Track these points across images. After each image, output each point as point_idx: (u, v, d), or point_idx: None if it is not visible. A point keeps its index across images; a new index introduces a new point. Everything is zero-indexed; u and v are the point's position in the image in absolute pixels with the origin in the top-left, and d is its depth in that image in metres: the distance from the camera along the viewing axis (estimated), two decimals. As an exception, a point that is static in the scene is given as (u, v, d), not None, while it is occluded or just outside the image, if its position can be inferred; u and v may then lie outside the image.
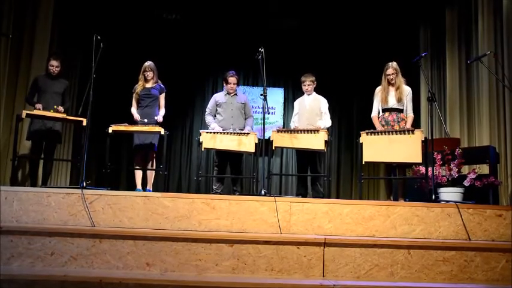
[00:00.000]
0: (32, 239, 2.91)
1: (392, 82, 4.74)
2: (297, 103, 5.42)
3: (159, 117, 5.11)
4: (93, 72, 4.24)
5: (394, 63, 4.79)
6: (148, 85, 5.21)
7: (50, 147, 5.17)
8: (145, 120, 5.02)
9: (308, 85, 5.26)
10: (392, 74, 4.73)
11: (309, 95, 5.30)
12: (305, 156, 5.13)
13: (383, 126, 4.72)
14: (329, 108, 5.31)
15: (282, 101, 9.23)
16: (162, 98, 5.27)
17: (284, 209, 3.37)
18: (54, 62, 5.12)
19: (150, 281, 2.62)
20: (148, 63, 5.24)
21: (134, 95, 5.23)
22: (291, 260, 2.93)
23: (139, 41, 8.15)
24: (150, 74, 5.20)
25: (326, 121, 5.18)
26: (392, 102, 4.73)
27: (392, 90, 4.76)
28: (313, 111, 5.21)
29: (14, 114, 5.29)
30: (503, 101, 5.32)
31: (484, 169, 5.05)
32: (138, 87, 5.21)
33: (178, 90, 6.47)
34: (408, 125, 4.64)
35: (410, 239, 3.26)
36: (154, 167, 5.16)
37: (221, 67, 7.96)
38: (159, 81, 5.30)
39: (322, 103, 5.26)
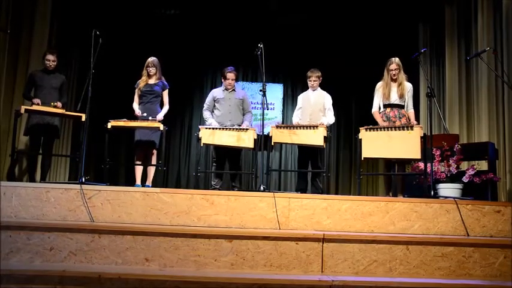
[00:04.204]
0: (31, 235, 2.91)
1: (395, 78, 4.75)
2: (300, 97, 5.41)
3: (160, 116, 5.09)
4: (92, 67, 4.23)
5: (397, 59, 4.79)
6: (151, 81, 5.20)
7: (48, 143, 5.16)
8: (145, 114, 5.01)
9: (314, 81, 5.25)
10: (396, 69, 4.74)
11: (314, 90, 5.30)
12: (306, 152, 5.13)
13: (384, 122, 4.72)
14: (332, 105, 5.30)
15: (281, 97, 9.22)
16: (165, 95, 5.25)
17: (283, 205, 3.37)
18: (50, 57, 5.10)
19: (149, 277, 2.62)
20: (151, 59, 5.22)
21: (136, 90, 5.21)
22: (289, 255, 2.94)
23: (138, 36, 8.12)
24: (152, 70, 5.18)
25: (329, 118, 5.18)
26: (394, 98, 4.74)
27: (394, 86, 4.76)
28: (317, 106, 5.21)
29: (13, 109, 5.28)
30: (502, 97, 5.32)
31: (483, 165, 5.05)
32: (141, 83, 5.19)
33: (177, 85, 6.44)
34: (413, 120, 4.66)
35: (409, 234, 3.26)
36: (154, 164, 5.15)
37: (220, 63, 7.92)
38: (163, 78, 5.27)
39: (327, 99, 5.25)
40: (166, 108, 5.23)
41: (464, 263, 3.00)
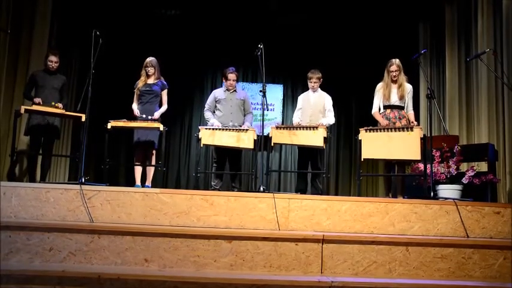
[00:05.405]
0: (31, 235, 2.90)
1: (395, 79, 4.76)
2: (300, 98, 5.42)
3: (156, 114, 5.09)
4: (92, 68, 4.23)
5: (397, 60, 4.80)
6: (150, 81, 5.20)
7: (48, 143, 5.16)
8: (144, 115, 5.01)
9: (315, 82, 5.26)
10: (396, 71, 4.74)
11: (314, 91, 5.30)
12: (306, 153, 5.13)
13: (384, 121, 4.73)
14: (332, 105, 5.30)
15: (281, 98, 9.21)
16: (164, 95, 5.25)
17: (282, 206, 3.37)
18: (53, 58, 5.10)
19: (148, 277, 2.62)
20: (149, 59, 5.23)
21: (136, 90, 5.22)
22: (289, 256, 2.93)
23: (138, 37, 8.12)
24: (151, 70, 5.19)
25: (330, 118, 5.18)
26: (394, 99, 4.75)
27: (395, 87, 4.77)
28: (317, 107, 5.22)
29: (13, 109, 5.28)
30: (502, 98, 5.32)
31: (483, 166, 5.06)
32: (140, 83, 5.19)
33: (177, 86, 6.46)
34: (414, 121, 4.67)
35: (409, 236, 3.26)
36: (153, 164, 5.15)
37: (220, 63, 7.94)
38: (162, 78, 5.28)
39: (327, 100, 5.26)
40: (164, 107, 5.23)
41: (463, 264, 3.00)
